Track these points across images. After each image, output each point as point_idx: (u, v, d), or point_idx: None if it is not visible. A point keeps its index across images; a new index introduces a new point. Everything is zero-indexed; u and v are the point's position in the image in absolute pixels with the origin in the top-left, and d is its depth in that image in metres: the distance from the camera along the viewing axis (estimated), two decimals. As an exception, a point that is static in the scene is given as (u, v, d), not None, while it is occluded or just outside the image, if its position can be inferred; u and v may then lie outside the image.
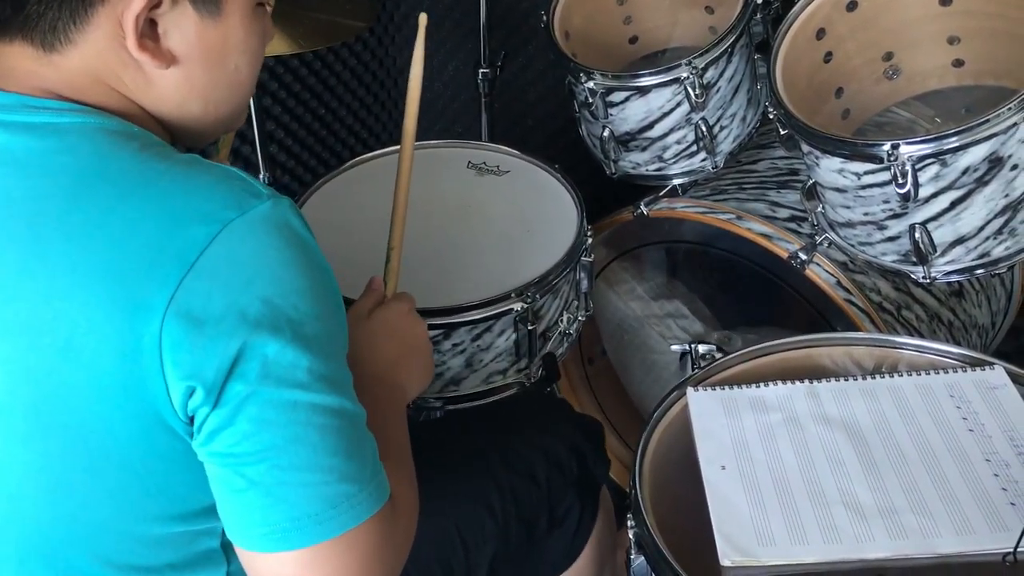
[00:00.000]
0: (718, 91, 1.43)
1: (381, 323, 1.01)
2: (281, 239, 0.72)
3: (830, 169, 1.21)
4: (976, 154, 1.09)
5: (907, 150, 1.10)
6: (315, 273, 0.74)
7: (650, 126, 1.46)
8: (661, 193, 1.55)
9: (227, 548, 0.80)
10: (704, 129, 1.44)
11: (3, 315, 0.71)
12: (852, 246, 1.29)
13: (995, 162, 1.10)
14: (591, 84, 1.43)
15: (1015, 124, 1.07)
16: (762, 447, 0.95)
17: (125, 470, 0.73)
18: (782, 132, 1.27)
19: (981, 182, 1.11)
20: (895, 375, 1.02)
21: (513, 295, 1.24)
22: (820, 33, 1.34)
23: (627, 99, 1.44)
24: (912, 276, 1.23)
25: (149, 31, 0.76)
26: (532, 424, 1.24)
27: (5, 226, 0.72)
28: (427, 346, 1.04)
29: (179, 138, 0.84)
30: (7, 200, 0.73)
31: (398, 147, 1.14)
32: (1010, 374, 1.00)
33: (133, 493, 0.75)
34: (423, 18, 1.09)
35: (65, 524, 0.76)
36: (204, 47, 0.79)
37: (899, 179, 1.12)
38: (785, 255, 1.38)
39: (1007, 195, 1.13)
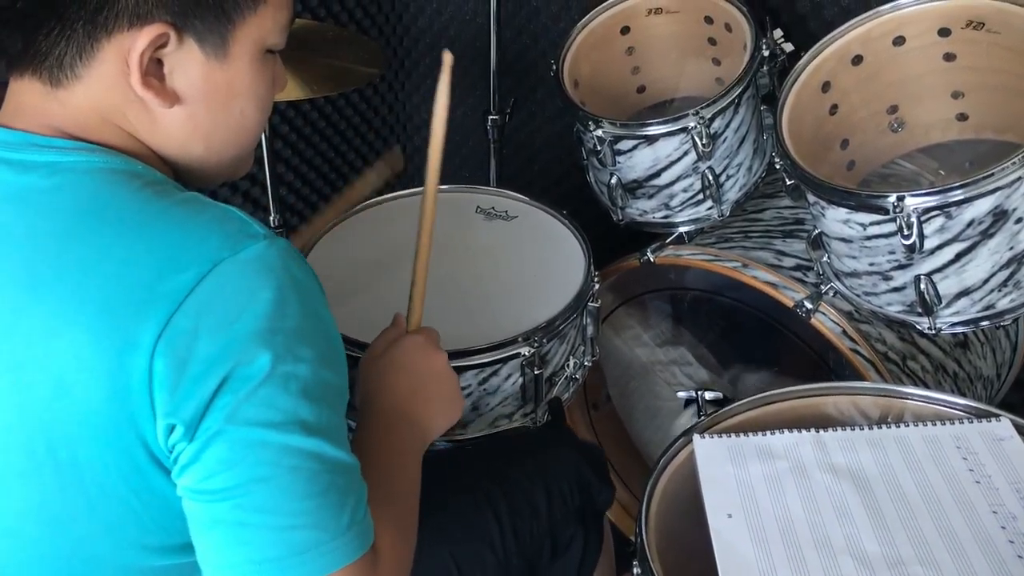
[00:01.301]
0: (724, 141, 1.44)
1: (395, 356, 1.00)
2: (272, 279, 0.71)
3: (836, 219, 1.22)
4: (981, 207, 1.10)
5: (912, 202, 1.11)
6: (308, 315, 0.73)
7: (657, 174, 1.48)
8: (667, 240, 1.56)
9: None
10: (710, 178, 1.46)
11: (1, 352, 0.72)
12: (857, 296, 1.30)
13: (999, 215, 1.11)
14: (599, 132, 1.45)
15: (1019, 178, 1.08)
16: (768, 496, 0.95)
17: (120, 505, 0.74)
18: (788, 182, 1.28)
19: (986, 235, 1.12)
20: (901, 425, 1.02)
21: (520, 339, 1.24)
22: (826, 86, 1.36)
23: (635, 147, 1.45)
24: (917, 327, 1.23)
25: (155, 69, 0.76)
26: (533, 456, 1.23)
27: (3, 264, 0.73)
28: (448, 376, 1.03)
29: (184, 179, 0.85)
30: (7, 238, 0.73)
31: (407, 191, 1.16)
32: (1016, 426, 1.00)
33: (129, 526, 0.75)
34: (448, 56, 1.09)
35: (64, 559, 0.76)
36: (209, 88, 0.79)
37: (904, 230, 1.13)
38: (791, 304, 1.39)
39: (1012, 248, 1.13)
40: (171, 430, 0.70)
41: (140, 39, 0.74)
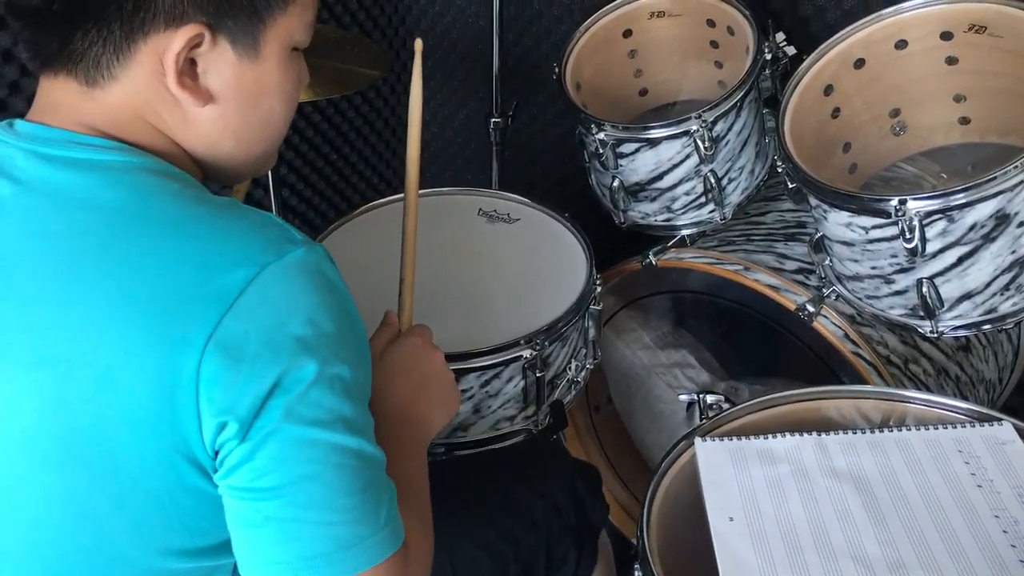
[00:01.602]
0: (727, 144, 1.44)
1: (395, 360, 1.01)
2: (314, 284, 0.74)
3: (838, 223, 1.22)
4: (983, 211, 1.10)
5: (915, 205, 1.11)
6: (345, 319, 0.76)
7: (659, 177, 1.48)
8: (669, 243, 1.56)
9: None
10: (713, 181, 1.46)
11: (40, 345, 0.72)
12: (859, 299, 1.30)
13: (1002, 219, 1.11)
14: (602, 135, 1.45)
15: (1022, 182, 1.09)
16: (770, 499, 0.95)
17: (151, 502, 0.74)
18: (790, 185, 1.28)
19: (988, 238, 1.12)
20: (903, 429, 1.02)
21: (522, 342, 1.24)
22: (828, 89, 1.37)
23: (637, 150, 1.45)
24: (919, 330, 1.23)
25: (189, 69, 0.78)
26: (531, 469, 1.24)
27: (45, 259, 0.74)
28: (446, 375, 1.04)
29: (211, 176, 0.86)
30: (47, 233, 0.74)
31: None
32: (1018, 430, 1.00)
33: (156, 526, 0.76)
34: (418, 43, 1.09)
35: (85, 554, 0.76)
36: (240, 87, 0.81)
37: (907, 234, 1.13)
38: (792, 307, 1.39)
39: (1014, 251, 1.13)
40: (222, 428, 0.71)
41: (176, 40, 0.75)
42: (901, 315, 1.25)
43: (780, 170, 1.29)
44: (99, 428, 0.72)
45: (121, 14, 0.74)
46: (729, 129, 1.43)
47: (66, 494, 0.75)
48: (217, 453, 0.73)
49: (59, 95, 0.79)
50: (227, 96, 0.80)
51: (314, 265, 0.75)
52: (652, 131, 1.43)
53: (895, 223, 1.13)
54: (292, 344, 0.71)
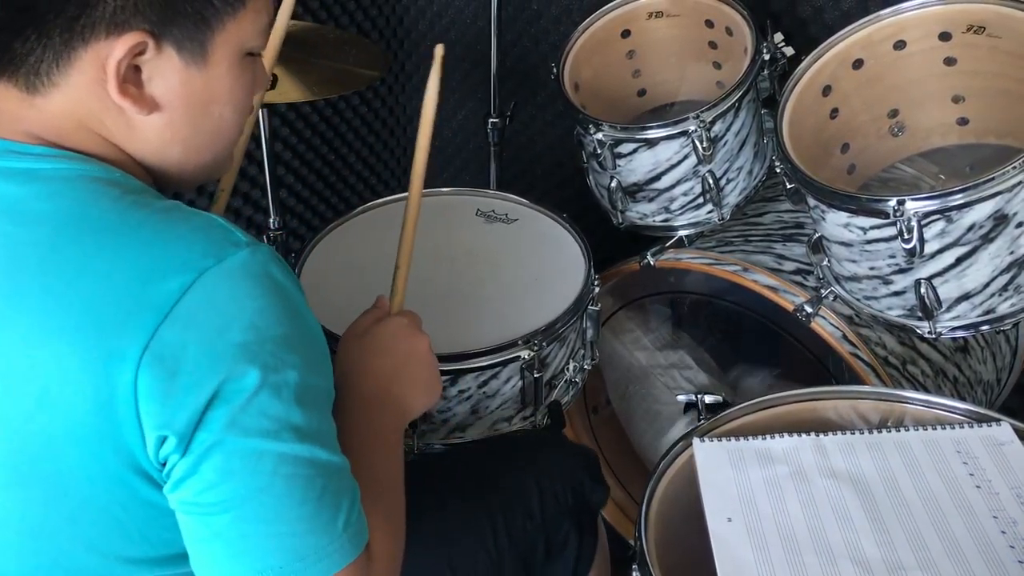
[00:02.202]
0: (725, 144, 1.44)
1: (375, 338, 1.00)
2: (258, 287, 0.71)
3: (836, 223, 1.22)
4: (981, 211, 1.10)
5: (913, 206, 1.11)
6: (294, 321, 0.73)
7: (657, 178, 1.48)
8: (667, 244, 1.56)
9: None
10: (711, 181, 1.46)
11: None
12: (858, 300, 1.30)
13: (1000, 220, 1.11)
14: (600, 135, 1.45)
15: (1020, 182, 1.08)
16: (768, 500, 0.95)
17: (105, 516, 0.73)
18: (788, 186, 1.28)
19: (986, 239, 1.12)
20: (901, 430, 1.02)
21: (520, 343, 1.24)
22: (826, 90, 1.36)
23: (635, 151, 1.45)
24: (918, 331, 1.23)
25: (132, 76, 0.76)
26: (524, 457, 1.24)
27: None
28: (429, 359, 1.03)
29: (161, 183, 0.84)
30: None
31: (406, 194, 1.16)
32: (1016, 430, 1.00)
33: (112, 539, 0.75)
34: (439, 49, 1.11)
35: (48, 571, 0.76)
36: (187, 95, 0.78)
37: (905, 234, 1.13)
38: (791, 308, 1.39)
39: (1012, 252, 1.13)
40: (162, 442, 0.69)
41: (117, 47, 0.73)
42: (899, 316, 1.24)
43: (778, 171, 1.29)
44: (44, 446, 0.71)
45: (61, 21, 0.72)
46: (727, 130, 1.43)
47: (20, 512, 0.74)
48: (164, 465, 0.71)
49: (1, 103, 0.77)
50: (174, 104, 0.78)
51: (259, 268, 0.72)
52: (650, 131, 1.42)
53: (893, 224, 1.13)
54: (233, 351, 0.69)
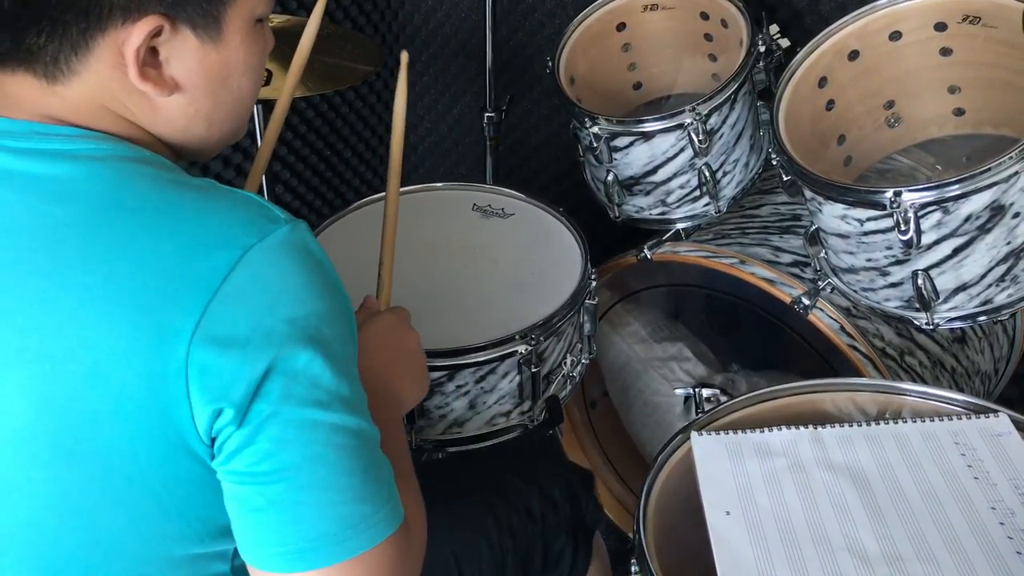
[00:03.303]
0: (721, 137, 1.44)
1: (370, 334, 1.01)
2: (300, 262, 0.74)
3: (833, 215, 1.22)
4: (978, 202, 1.10)
5: (909, 197, 1.11)
6: (333, 295, 0.76)
7: (654, 171, 1.47)
8: (664, 237, 1.56)
9: (236, 573, 0.80)
10: (707, 174, 1.46)
11: (25, 343, 0.72)
12: (855, 292, 1.30)
13: (997, 210, 1.11)
14: (596, 129, 1.45)
15: (1016, 173, 1.08)
16: (767, 493, 0.95)
17: (147, 494, 0.74)
18: (785, 178, 1.28)
19: (983, 230, 1.12)
20: (899, 422, 1.02)
21: (517, 337, 1.24)
22: (822, 81, 1.36)
23: (631, 144, 1.45)
24: (915, 322, 1.23)
25: (151, 59, 0.76)
26: (526, 464, 1.24)
27: (24, 255, 0.72)
28: (420, 354, 1.05)
29: (183, 156, 0.85)
30: (24, 229, 0.73)
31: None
32: (1014, 421, 1.00)
33: (152, 517, 0.75)
34: (404, 56, 1.15)
35: (86, 549, 0.76)
36: (206, 72, 0.79)
37: (902, 226, 1.13)
38: (788, 300, 1.39)
39: (1009, 243, 1.13)
40: (217, 415, 0.70)
41: (135, 33, 0.74)
42: (897, 307, 1.24)
43: (775, 163, 1.29)
44: (89, 423, 0.71)
45: (76, 11, 0.73)
46: (723, 122, 1.43)
47: (61, 492, 0.74)
48: (214, 440, 0.72)
49: (18, 90, 0.77)
50: (194, 82, 0.79)
51: (299, 242, 0.74)
52: (646, 124, 1.42)
53: (890, 215, 1.13)
54: (283, 326, 0.71)
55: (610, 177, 1.52)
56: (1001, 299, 1.18)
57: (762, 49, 1.44)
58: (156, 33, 0.75)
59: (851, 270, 1.27)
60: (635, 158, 1.47)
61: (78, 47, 0.74)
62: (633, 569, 0.91)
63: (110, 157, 0.76)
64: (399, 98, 1.13)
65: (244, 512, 0.74)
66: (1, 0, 0.72)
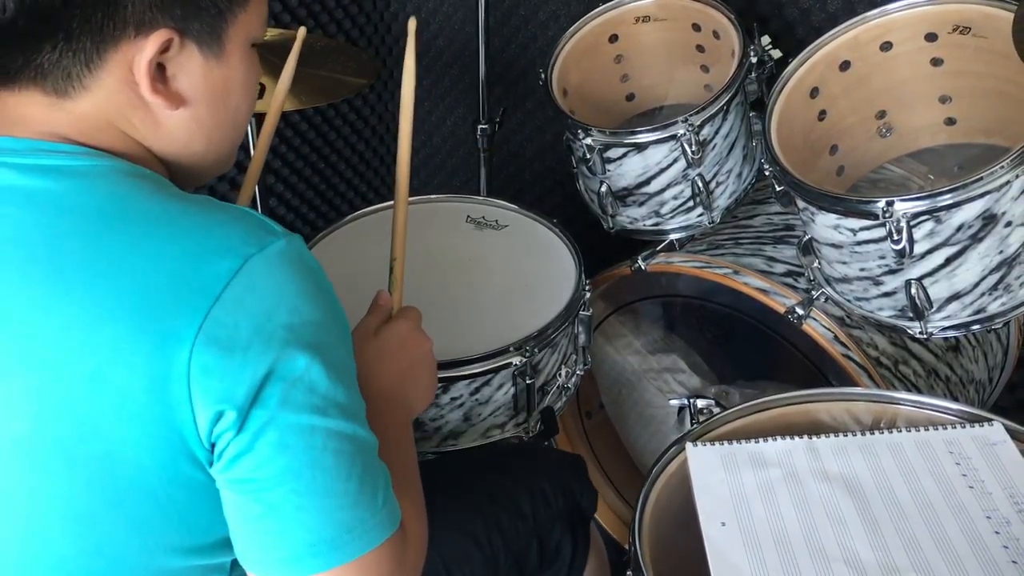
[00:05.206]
0: (714, 148, 1.44)
1: (388, 340, 1.02)
2: (298, 273, 0.75)
3: (826, 225, 1.22)
4: (970, 211, 1.10)
5: (902, 207, 1.11)
6: (329, 305, 0.77)
7: (647, 182, 1.48)
8: (658, 248, 1.56)
9: None
10: (700, 185, 1.46)
11: (27, 349, 0.72)
12: (849, 301, 1.30)
13: (989, 219, 1.11)
14: (589, 140, 1.45)
15: (1008, 182, 1.09)
16: (762, 503, 0.95)
17: (149, 500, 0.74)
18: (778, 188, 1.28)
19: (975, 239, 1.12)
20: (894, 431, 1.02)
21: (512, 349, 1.24)
22: (814, 92, 1.37)
23: (624, 155, 1.45)
24: (909, 331, 1.23)
25: (159, 74, 0.78)
26: (513, 461, 1.25)
27: (25, 264, 0.73)
28: (432, 362, 1.06)
29: (177, 178, 0.86)
30: (25, 240, 0.74)
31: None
32: (1008, 430, 1.00)
33: (155, 524, 0.75)
34: (412, 23, 1.10)
35: (88, 557, 0.76)
36: (209, 88, 0.81)
37: (894, 235, 1.13)
38: (782, 310, 1.39)
39: (1001, 252, 1.14)
40: (219, 418, 0.71)
41: (147, 47, 0.75)
42: (890, 316, 1.25)
43: (767, 173, 1.29)
44: (93, 428, 0.72)
45: (90, 25, 0.74)
46: (716, 133, 1.43)
47: (64, 497, 0.74)
48: (214, 446, 0.73)
49: (24, 109, 0.78)
50: (197, 98, 0.81)
51: (296, 255, 0.76)
52: (639, 136, 1.43)
53: (883, 225, 1.13)
54: (282, 333, 0.72)
55: (603, 188, 1.52)
56: (994, 308, 1.18)
57: (754, 60, 1.44)
58: (165, 48, 0.76)
59: (844, 280, 1.27)
60: (628, 169, 1.47)
61: (91, 61, 0.75)
62: (629, 581, 0.91)
63: (110, 172, 0.77)
64: (408, 70, 1.11)
65: (243, 519, 0.75)
66: (15, 18, 0.73)
